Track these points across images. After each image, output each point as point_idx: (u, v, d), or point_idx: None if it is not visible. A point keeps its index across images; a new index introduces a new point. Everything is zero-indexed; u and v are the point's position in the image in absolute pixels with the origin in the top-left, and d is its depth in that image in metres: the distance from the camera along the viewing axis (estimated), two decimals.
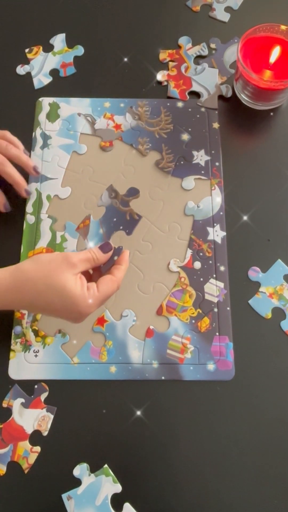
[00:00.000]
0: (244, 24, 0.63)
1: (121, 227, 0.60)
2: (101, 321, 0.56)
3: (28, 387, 0.54)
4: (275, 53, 0.61)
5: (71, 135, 0.65)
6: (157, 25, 0.72)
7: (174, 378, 0.54)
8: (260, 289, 0.57)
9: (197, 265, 0.58)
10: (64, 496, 0.50)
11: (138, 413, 0.53)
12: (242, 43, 0.61)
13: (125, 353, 0.55)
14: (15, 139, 0.60)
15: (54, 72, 0.69)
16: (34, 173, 0.61)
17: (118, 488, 0.50)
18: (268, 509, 0.50)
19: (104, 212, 0.60)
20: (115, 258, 0.50)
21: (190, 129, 0.65)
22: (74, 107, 0.67)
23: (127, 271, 0.53)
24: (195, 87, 0.67)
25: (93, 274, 0.52)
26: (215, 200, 0.61)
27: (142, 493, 0.50)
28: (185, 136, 0.65)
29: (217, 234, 0.60)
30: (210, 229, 0.60)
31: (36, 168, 0.61)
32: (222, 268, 0.58)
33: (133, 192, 0.61)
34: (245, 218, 0.61)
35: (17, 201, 0.61)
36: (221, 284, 0.58)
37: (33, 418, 0.53)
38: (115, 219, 0.60)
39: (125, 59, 0.70)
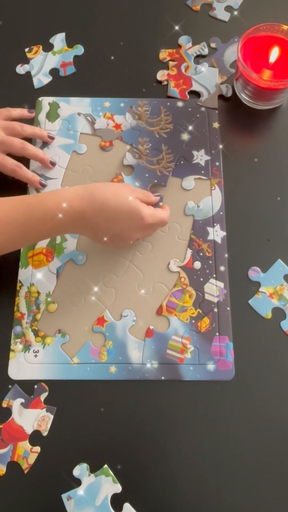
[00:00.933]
0: (244, 24, 0.63)
1: (155, 181, 0.62)
2: (101, 321, 0.56)
3: (28, 387, 0.54)
4: (274, 53, 0.61)
5: (71, 134, 0.65)
6: (157, 25, 0.72)
7: (174, 378, 0.54)
8: (260, 289, 0.57)
9: (197, 265, 0.58)
10: (64, 496, 0.50)
11: (138, 413, 0.53)
12: (242, 43, 0.61)
13: (125, 353, 0.55)
14: (19, 112, 0.64)
15: (54, 72, 0.69)
16: (51, 167, 0.63)
17: (118, 488, 0.50)
18: (268, 509, 0.50)
19: (134, 170, 0.62)
20: (160, 204, 0.59)
21: (190, 129, 0.65)
22: (74, 106, 0.67)
23: (126, 272, 0.57)
24: (195, 87, 0.67)
25: None
26: (215, 200, 0.61)
27: (142, 493, 0.50)
28: (185, 136, 0.65)
29: (217, 234, 0.60)
30: (210, 229, 0.60)
31: (53, 162, 0.63)
32: (222, 268, 0.58)
33: (156, 154, 0.63)
34: (245, 218, 0.61)
35: None
36: (221, 284, 0.57)
37: (33, 418, 0.53)
38: (147, 175, 0.62)
39: (125, 59, 0.70)
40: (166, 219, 0.56)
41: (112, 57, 0.70)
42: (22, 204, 0.50)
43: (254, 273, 0.58)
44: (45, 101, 0.67)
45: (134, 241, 0.56)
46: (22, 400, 0.53)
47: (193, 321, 0.56)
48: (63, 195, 0.51)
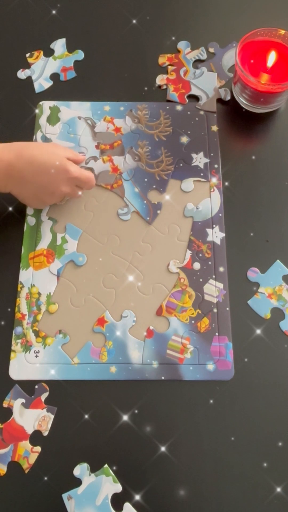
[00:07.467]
0: (242, 29, 0.64)
1: (154, 186, 0.62)
2: (101, 321, 0.57)
3: (29, 387, 0.54)
4: (272, 57, 0.62)
5: (72, 138, 0.66)
6: (156, 30, 0.73)
7: (174, 378, 0.54)
8: (259, 290, 0.58)
9: (197, 266, 0.59)
10: (64, 496, 0.50)
11: (138, 413, 0.53)
12: (240, 47, 0.62)
13: (125, 354, 0.55)
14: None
15: (54, 76, 0.70)
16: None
17: (118, 488, 0.50)
18: (268, 509, 0.50)
19: (133, 173, 0.63)
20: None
21: (189, 132, 0.66)
22: (75, 110, 0.68)
23: (126, 272, 0.58)
24: (194, 91, 0.68)
25: None
26: (214, 201, 0.62)
27: (142, 493, 0.50)
28: (184, 139, 0.66)
29: (216, 235, 0.60)
30: (209, 230, 0.60)
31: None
32: (221, 269, 0.59)
33: (155, 156, 0.63)
34: (243, 219, 0.61)
35: (18, 203, 0.62)
36: (221, 285, 0.58)
37: (33, 418, 0.53)
38: (146, 179, 0.63)
39: (125, 63, 0.71)
40: (92, 178, 0.59)
41: (112, 62, 0.71)
42: None
43: (253, 274, 0.59)
44: (46, 105, 0.68)
45: (61, 197, 0.59)
46: (23, 400, 0.53)
47: (193, 321, 0.56)
48: None
